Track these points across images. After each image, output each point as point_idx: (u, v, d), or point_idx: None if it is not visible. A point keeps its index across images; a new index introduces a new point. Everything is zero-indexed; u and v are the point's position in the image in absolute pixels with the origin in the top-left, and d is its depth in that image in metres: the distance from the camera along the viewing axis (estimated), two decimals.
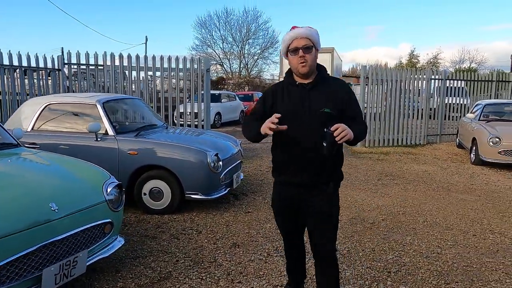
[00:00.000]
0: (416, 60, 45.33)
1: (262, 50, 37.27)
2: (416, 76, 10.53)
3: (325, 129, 2.03)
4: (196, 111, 14.36)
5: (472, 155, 8.07)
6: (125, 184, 4.46)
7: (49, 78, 7.18)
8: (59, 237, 2.44)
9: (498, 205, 5.10)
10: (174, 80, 8.51)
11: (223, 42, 37.11)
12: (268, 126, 2.05)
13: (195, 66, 8.15)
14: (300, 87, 2.23)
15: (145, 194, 4.46)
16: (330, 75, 2.43)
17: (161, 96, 8.18)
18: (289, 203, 2.32)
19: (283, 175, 2.31)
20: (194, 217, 4.42)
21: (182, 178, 4.38)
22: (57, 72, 7.26)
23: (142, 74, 7.92)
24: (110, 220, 2.90)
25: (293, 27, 2.23)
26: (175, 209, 4.48)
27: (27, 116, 4.88)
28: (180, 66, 8.05)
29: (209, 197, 4.47)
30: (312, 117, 2.16)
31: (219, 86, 21.08)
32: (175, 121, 14.50)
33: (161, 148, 4.42)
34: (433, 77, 10.81)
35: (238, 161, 5.22)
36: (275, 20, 56.24)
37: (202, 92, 8.27)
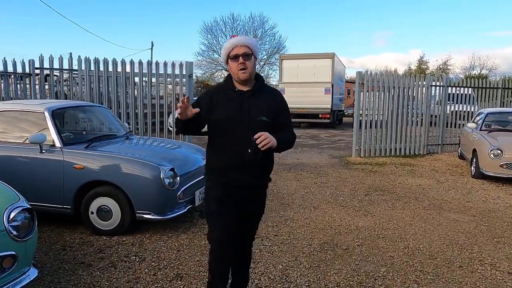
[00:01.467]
0: (425, 66, 44.56)
1: (269, 55, 36.99)
2: (415, 83, 9.97)
3: (251, 137, 2.13)
4: None
5: (472, 168, 7.48)
6: (70, 201, 4.04)
7: (23, 82, 6.83)
8: None
9: (493, 228, 4.53)
10: (156, 86, 8.08)
11: None
12: (179, 107, 2.10)
13: (177, 71, 7.73)
14: (239, 93, 2.31)
15: (92, 213, 4.01)
16: (267, 84, 2.55)
17: (141, 102, 7.77)
18: (230, 202, 2.33)
19: (225, 179, 2.32)
20: (145, 239, 3.95)
21: (131, 196, 3.91)
22: (29, 77, 6.91)
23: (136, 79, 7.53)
24: (12, 252, 2.44)
25: (233, 36, 2.38)
26: (127, 229, 4.01)
27: None
28: (161, 71, 7.65)
29: (163, 217, 3.99)
30: (250, 124, 2.24)
31: None
32: (170, 128, 14.25)
33: (109, 162, 3.97)
34: (433, 83, 10.23)
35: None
36: (282, 25, 55.99)
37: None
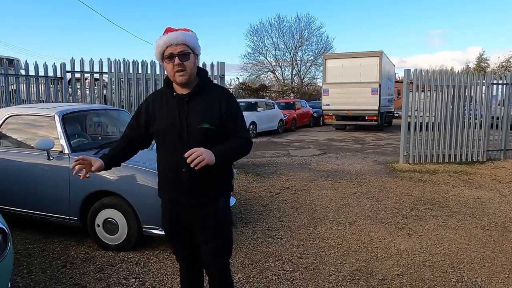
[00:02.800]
0: (485, 64, 41.41)
1: (316, 56, 36.19)
2: (474, 81, 8.88)
3: (184, 155, 1.85)
4: None
5: None
6: (77, 213, 3.75)
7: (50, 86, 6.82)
8: None
9: None
10: None
11: (275, 49, 36.67)
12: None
13: (209, 72, 7.37)
14: (177, 98, 2.00)
15: (98, 225, 3.69)
16: (213, 80, 2.19)
17: None
18: (178, 225, 2.12)
19: (168, 196, 2.10)
20: (152, 257, 3.56)
21: (137, 208, 3.54)
22: (59, 80, 6.87)
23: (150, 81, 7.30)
24: None
25: (167, 30, 1.97)
26: (134, 245, 3.65)
27: None
28: None
29: None
30: (191, 134, 1.95)
31: (261, 94, 20.29)
32: None
33: (116, 170, 3.62)
34: (495, 81, 9.07)
35: None
36: (330, 25, 54.63)
37: None
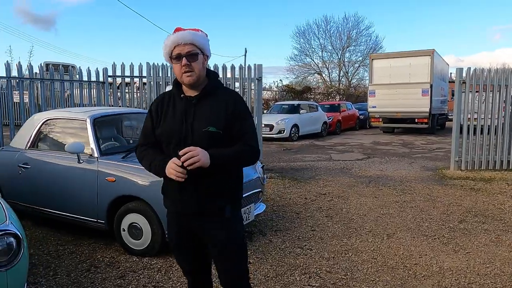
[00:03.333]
0: None
1: (364, 57, 35.10)
2: None
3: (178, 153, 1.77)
4: (270, 123, 13.56)
5: None
6: (104, 216, 3.76)
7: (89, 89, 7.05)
8: None
9: None
10: None
11: (322, 50, 36.06)
12: (174, 174, 1.77)
13: (246, 74, 7.28)
14: (185, 100, 1.92)
15: (124, 230, 3.67)
16: (223, 83, 2.10)
17: None
18: (186, 236, 2.00)
19: (173, 206, 1.98)
20: (174, 265, 3.45)
21: (161, 214, 3.46)
22: (101, 84, 7.10)
23: None
24: None
25: (177, 29, 1.89)
26: (158, 251, 3.58)
27: (26, 132, 4.54)
28: (229, 75, 7.26)
29: None
30: (196, 137, 1.85)
31: (305, 96, 19.92)
32: None
33: (140, 174, 3.57)
34: None
35: (252, 191, 4.11)
36: (380, 25, 52.86)
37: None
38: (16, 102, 7.40)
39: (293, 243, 4.00)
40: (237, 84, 7.36)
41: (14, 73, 6.28)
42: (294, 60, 36.39)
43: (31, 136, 4.45)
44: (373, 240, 4.10)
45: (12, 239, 2.27)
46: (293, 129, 14.00)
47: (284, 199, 5.74)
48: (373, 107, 16.29)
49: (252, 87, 7.37)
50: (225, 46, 69.98)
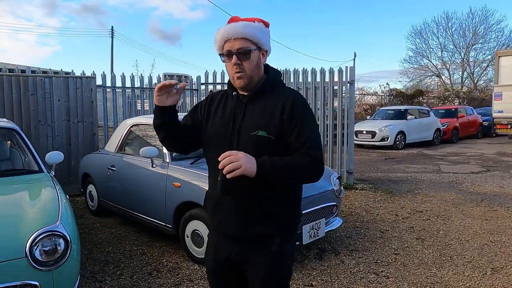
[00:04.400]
0: None
1: (494, 55, 30.78)
2: None
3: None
4: (372, 130, 12.69)
5: None
6: (171, 221, 3.79)
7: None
8: None
9: None
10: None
11: (441, 50, 32.77)
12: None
13: (336, 78, 6.84)
14: (236, 99, 1.64)
15: (187, 236, 3.65)
16: (283, 83, 1.74)
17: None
18: (224, 262, 1.68)
19: (213, 221, 1.70)
20: None
21: None
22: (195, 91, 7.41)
23: None
24: (33, 282, 2.22)
25: (231, 19, 1.61)
26: None
27: (116, 136, 4.90)
28: (318, 79, 6.91)
29: None
30: (242, 142, 1.56)
31: (416, 100, 18.12)
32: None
33: (202, 180, 3.50)
34: None
35: (323, 205, 3.73)
36: None
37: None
38: (139, 110, 8.10)
39: (368, 267, 3.49)
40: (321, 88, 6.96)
41: (137, 83, 6.89)
42: (409, 62, 33.78)
43: (119, 140, 4.79)
44: (471, 273, 3.36)
45: (61, 240, 2.36)
46: (399, 136, 12.84)
47: (370, 215, 5.16)
48: (499, 112, 14.02)
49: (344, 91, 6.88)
50: (333, 51, 68.78)
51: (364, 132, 13.17)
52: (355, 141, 13.31)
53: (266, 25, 1.67)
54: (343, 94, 6.95)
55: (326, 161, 6.93)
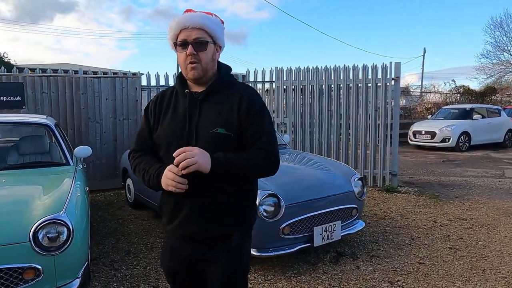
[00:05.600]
0: None
1: None
2: None
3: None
4: (432, 130, 11.88)
5: None
6: None
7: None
8: None
9: None
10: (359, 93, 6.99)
11: None
12: (171, 184, 1.45)
13: (379, 75, 6.49)
14: (189, 96, 1.59)
15: None
16: (236, 79, 1.75)
17: (335, 113, 6.93)
18: (183, 266, 1.66)
19: (170, 224, 1.64)
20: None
21: None
22: None
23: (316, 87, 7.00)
24: (35, 265, 2.41)
25: (187, 11, 1.59)
26: None
27: None
28: (360, 76, 6.62)
29: (261, 254, 3.21)
30: (201, 141, 1.53)
31: (487, 99, 16.49)
32: (411, 141, 12.53)
33: None
34: None
35: (338, 207, 3.57)
36: None
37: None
38: None
39: (384, 275, 3.28)
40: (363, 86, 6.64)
41: None
42: (487, 57, 30.90)
43: None
44: None
45: (63, 228, 2.53)
46: (462, 137, 11.86)
47: (406, 220, 4.84)
48: None
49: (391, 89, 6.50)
50: (400, 47, 65.34)
51: (423, 132, 12.37)
52: (413, 142, 12.68)
53: (222, 21, 1.66)
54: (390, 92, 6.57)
55: (350, 160, 6.63)
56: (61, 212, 2.58)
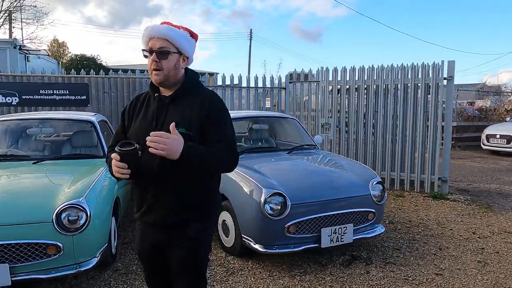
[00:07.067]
0: None
1: None
2: None
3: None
4: (507, 134, 10.82)
5: None
6: None
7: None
8: None
9: None
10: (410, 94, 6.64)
11: None
12: (114, 170, 1.68)
13: (430, 74, 6.14)
14: (158, 100, 1.81)
15: (219, 225, 3.92)
16: (202, 84, 1.91)
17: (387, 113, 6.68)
18: (150, 249, 1.87)
19: (138, 212, 1.86)
20: (246, 268, 3.42)
21: (238, 215, 3.51)
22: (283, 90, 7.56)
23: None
24: (56, 242, 2.79)
25: (163, 23, 1.80)
26: (239, 252, 3.62)
27: None
28: (409, 75, 6.31)
29: (267, 250, 3.32)
30: None
31: None
32: (484, 146, 11.50)
33: (230, 174, 3.70)
34: None
35: (351, 210, 3.53)
36: None
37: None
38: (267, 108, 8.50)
39: (392, 283, 3.19)
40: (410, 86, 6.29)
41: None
42: None
43: None
44: None
45: (82, 213, 2.90)
46: None
47: (441, 228, 4.56)
48: None
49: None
50: (488, 43, 59.45)
51: (498, 136, 11.28)
52: (486, 147, 11.60)
53: (194, 36, 1.85)
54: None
55: (396, 164, 6.30)
56: (81, 199, 2.95)
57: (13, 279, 2.71)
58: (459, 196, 6.05)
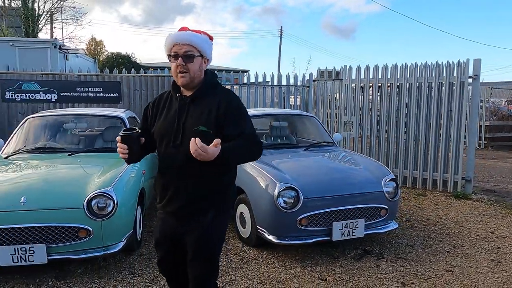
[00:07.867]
0: None
1: None
2: None
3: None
4: None
5: None
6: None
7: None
8: (22, 226, 2.98)
9: None
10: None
11: None
12: (118, 151, 1.93)
13: (454, 73, 6.07)
14: (180, 99, 1.98)
15: (236, 217, 4.13)
16: (220, 83, 2.08)
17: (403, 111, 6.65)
18: (167, 237, 2.05)
19: (160, 202, 2.06)
20: (261, 257, 3.61)
21: (254, 208, 3.70)
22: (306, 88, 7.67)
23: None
24: (87, 227, 3.09)
25: (181, 29, 1.97)
26: (255, 243, 3.81)
27: None
28: (432, 73, 6.26)
29: (280, 241, 3.50)
30: (186, 137, 1.88)
31: None
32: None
33: (248, 169, 3.90)
34: None
35: (363, 205, 3.63)
36: None
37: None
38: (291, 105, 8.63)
39: (400, 277, 3.29)
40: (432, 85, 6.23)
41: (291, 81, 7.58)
42: None
43: None
44: None
45: (109, 201, 3.19)
46: None
47: (459, 227, 4.57)
48: None
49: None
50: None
51: None
52: None
53: (211, 38, 2.04)
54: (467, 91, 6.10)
55: (419, 163, 6.27)
56: (109, 188, 3.24)
57: (49, 258, 3.03)
58: (483, 197, 5.98)
